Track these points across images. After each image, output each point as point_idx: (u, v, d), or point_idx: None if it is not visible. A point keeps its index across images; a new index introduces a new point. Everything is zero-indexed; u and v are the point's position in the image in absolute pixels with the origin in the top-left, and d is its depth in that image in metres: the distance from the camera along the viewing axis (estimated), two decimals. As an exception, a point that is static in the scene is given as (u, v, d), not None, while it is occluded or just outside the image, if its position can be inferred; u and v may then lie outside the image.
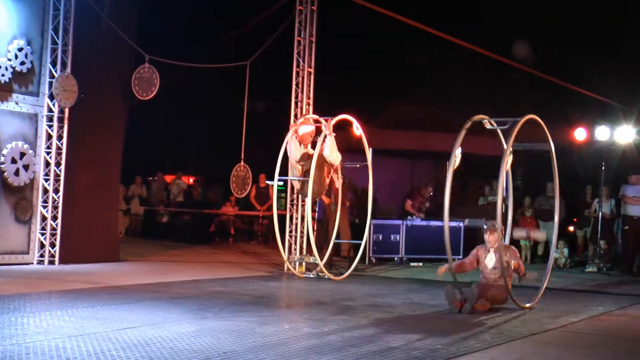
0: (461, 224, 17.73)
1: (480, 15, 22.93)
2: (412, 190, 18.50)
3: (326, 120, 13.25)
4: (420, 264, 16.93)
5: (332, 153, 13.15)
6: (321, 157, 13.08)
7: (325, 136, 13.06)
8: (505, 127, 10.99)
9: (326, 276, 13.17)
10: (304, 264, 14.01)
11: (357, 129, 13.97)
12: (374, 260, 16.80)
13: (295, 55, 14.58)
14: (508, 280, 10.05)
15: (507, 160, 10.73)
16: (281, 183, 23.91)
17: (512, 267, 10.11)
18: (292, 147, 13.23)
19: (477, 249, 10.54)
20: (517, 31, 22.15)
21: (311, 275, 13.52)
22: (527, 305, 10.31)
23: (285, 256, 13.90)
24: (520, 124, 10.56)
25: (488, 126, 11.01)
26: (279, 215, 13.73)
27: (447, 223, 10.40)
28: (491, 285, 10.17)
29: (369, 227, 14.45)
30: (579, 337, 8.54)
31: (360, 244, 14.48)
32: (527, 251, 18.42)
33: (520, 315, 9.83)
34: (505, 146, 10.80)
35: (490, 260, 10.26)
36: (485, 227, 10.27)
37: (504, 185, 11.47)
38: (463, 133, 10.45)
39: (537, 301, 10.57)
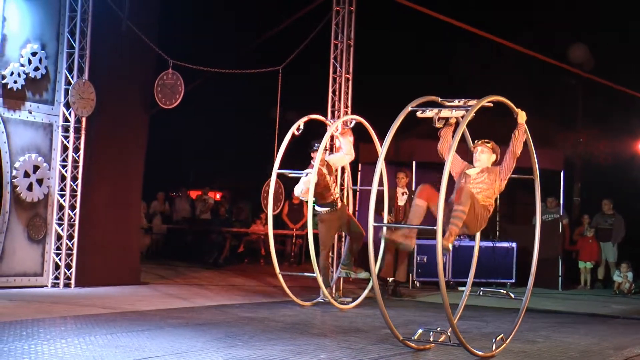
0: (513, 245, 17.57)
1: (532, 14, 22.75)
2: None
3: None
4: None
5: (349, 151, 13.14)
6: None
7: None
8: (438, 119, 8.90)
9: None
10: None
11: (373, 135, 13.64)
12: (418, 284, 16.68)
13: (331, 60, 14.54)
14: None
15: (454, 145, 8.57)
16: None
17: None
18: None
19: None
20: (573, 32, 21.96)
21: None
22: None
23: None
24: (480, 104, 8.69)
25: (419, 114, 8.93)
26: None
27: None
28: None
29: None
30: (648, 371, 8.39)
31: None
32: (587, 275, 18.18)
33: (576, 345, 9.68)
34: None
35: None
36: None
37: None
38: (403, 115, 8.78)
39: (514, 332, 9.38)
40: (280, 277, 12.88)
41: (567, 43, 21.69)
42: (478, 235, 9.87)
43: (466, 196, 8.62)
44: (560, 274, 17.60)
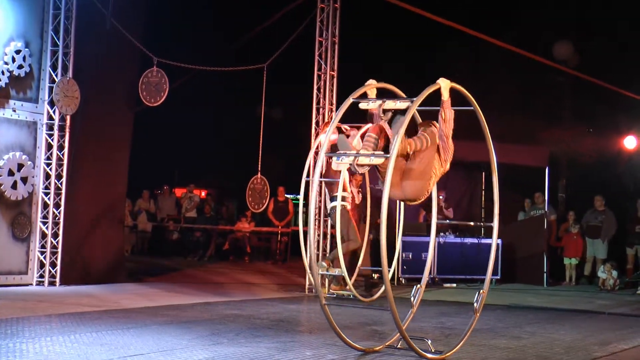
0: (499, 242, 17.62)
1: (519, 12, 22.81)
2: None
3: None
4: (454, 284, 16.84)
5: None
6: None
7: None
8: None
9: (351, 296, 13.00)
10: (327, 283, 13.93)
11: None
12: (403, 281, 16.72)
13: (316, 58, 14.56)
14: None
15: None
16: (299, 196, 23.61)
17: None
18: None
19: None
20: (560, 29, 22.03)
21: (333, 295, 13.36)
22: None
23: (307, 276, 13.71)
24: (429, 91, 8.31)
25: (363, 105, 8.40)
26: (296, 232, 13.64)
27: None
28: None
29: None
30: (631, 366, 8.44)
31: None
32: (572, 271, 18.26)
33: (561, 340, 9.74)
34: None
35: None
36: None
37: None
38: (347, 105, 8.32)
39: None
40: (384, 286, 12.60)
41: (554, 40, 21.77)
42: (433, 231, 9.88)
43: (432, 133, 8.22)
44: (545, 270, 17.68)
